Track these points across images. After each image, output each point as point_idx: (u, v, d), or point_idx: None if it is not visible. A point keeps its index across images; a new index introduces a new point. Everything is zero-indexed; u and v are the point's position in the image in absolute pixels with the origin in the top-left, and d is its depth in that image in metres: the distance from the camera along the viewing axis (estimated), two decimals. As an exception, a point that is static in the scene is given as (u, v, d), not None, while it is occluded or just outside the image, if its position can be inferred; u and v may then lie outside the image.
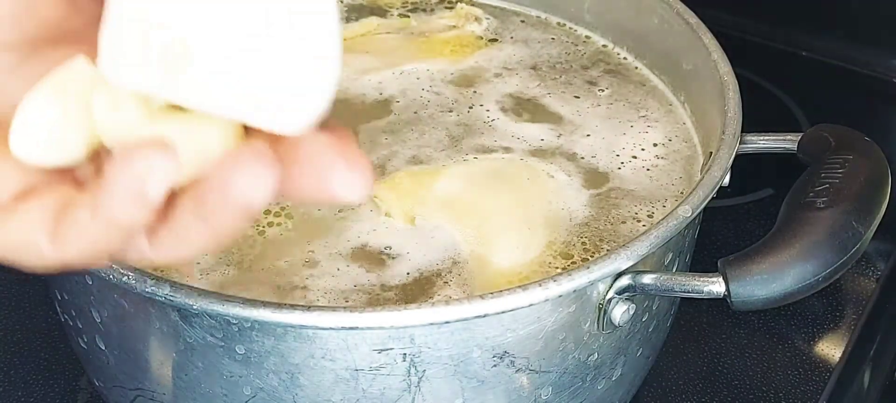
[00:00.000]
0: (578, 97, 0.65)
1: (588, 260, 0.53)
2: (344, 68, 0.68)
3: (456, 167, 0.59)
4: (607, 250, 0.53)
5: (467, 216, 0.55)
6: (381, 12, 0.73)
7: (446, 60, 0.68)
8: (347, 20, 0.72)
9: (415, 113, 0.63)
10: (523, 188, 0.58)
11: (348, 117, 0.63)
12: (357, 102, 0.64)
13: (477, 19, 0.72)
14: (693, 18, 0.62)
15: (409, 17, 0.73)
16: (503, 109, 0.64)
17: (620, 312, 0.47)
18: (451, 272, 0.53)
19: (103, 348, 0.51)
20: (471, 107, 0.64)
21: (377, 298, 0.51)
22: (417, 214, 0.55)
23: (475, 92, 0.65)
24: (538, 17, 0.72)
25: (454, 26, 0.72)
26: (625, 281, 0.47)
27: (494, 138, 0.61)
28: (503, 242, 0.54)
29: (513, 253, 0.53)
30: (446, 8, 0.73)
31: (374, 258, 0.53)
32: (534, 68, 0.67)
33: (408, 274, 0.52)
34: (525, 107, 0.64)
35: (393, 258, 0.53)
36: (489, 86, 0.66)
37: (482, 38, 0.70)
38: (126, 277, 0.45)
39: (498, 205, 0.56)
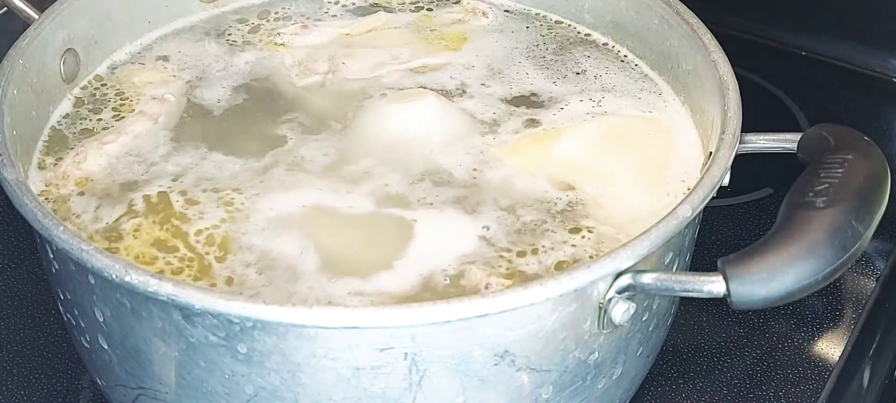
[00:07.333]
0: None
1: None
2: (355, 63, 0.69)
3: (576, 127, 0.62)
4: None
5: (591, 172, 0.58)
6: (389, 8, 0.74)
7: (457, 53, 0.68)
8: (355, 15, 0.72)
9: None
10: (646, 144, 0.61)
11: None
12: (373, 95, 0.65)
13: (484, 14, 0.72)
14: (693, 18, 0.62)
15: (415, 12, 0.73)
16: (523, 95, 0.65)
17: (621, 311, 0.47)
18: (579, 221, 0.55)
19: (106, 347, 0.51)
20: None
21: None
22: (542, 173, 0.58)
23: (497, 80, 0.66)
24: (538, 14, 0.73)
25: (461, 20, 0.72)
26: (625, 280, 0.47)
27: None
28: (630, 193, 0.57)
29: (640, 201, 0.57)
30: (454, 3, 0.74)
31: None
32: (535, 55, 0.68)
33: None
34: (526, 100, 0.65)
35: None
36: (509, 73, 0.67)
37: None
38: (129, 276, 0.45)
39: (622, 161, 0.59)
